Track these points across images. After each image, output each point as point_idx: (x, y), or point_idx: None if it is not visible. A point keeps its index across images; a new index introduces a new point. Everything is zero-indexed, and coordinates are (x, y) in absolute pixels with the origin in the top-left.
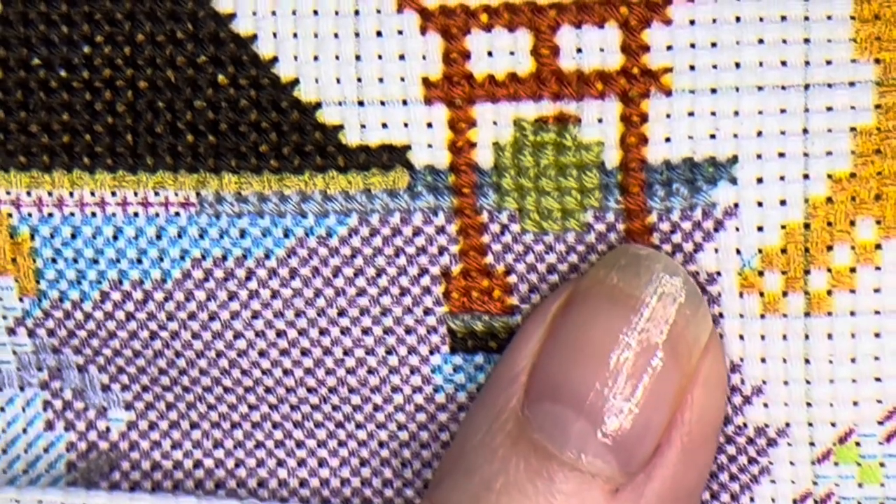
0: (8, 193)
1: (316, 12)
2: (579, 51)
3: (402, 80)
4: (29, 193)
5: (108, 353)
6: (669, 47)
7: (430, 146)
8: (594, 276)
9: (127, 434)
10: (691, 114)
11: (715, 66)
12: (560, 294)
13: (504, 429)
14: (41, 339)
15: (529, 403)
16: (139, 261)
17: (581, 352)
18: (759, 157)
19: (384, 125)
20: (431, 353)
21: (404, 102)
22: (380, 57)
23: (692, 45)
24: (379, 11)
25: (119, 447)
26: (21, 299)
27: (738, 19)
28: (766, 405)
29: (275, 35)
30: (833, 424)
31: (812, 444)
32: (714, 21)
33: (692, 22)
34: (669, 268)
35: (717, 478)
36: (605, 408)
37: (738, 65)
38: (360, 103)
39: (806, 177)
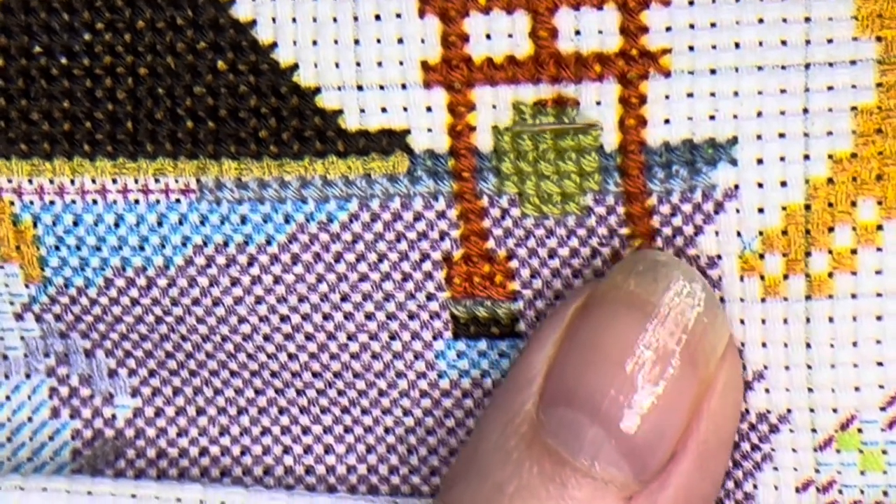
0: (9, 181)
1: None
2: (577, 33)
3: (401, 63)
4: (30, 181)
5: (114, 338)
6: (668, 28)
7: (429, 130)
8: (611, 281)
9: (133, 421)
10: (690, 95)
11: (714, 47)
12: (577, 297)
13: (518, 432)
14: (49, 323)
15: (544, 407)
16: (141, 248)
17: (597, 357)
18: (759, 137)
19: (383, 109)
20: (435, 338)
21: (403, 86)
22: (378, 41)
23: (691, 26)
24: None
25: (124, 435)
26: (27, 285)
27: None
28: (767, 391)
29: (274, 20)
30: (835, 410)
31: (814, 430)
32: (713, 1)
33: (691, 2)
34: (687, 274)
35: None
36: (620, 415)
37: (737, 45)
38: (360, 88)
39: (806, 157)
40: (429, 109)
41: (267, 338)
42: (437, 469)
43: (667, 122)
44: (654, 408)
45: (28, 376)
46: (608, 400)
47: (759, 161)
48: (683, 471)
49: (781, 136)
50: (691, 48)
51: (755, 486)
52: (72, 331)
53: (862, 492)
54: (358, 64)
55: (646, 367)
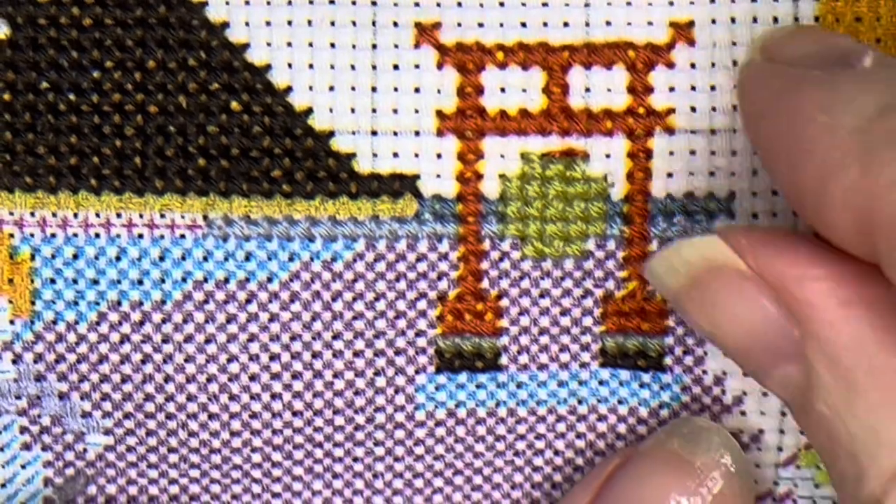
0: (11, 214)
1: (333, 45)
2: (588, 90)
3: (416, 111)
4: (33, 214)
5: (94, 379)
6: (672, 89)
7: (438, 176)
8: (655, 440)
9: (103, 455)
10: (693, 152)
11: (714, 109)
12: (619, 454)
13: None
14: (26, 365)
15: None
16: (140, 282)
17: None
18: (754, 194)
19: (395, 154)
20: (417, 372)
21: (416, 133)
22: (395, 89)
23: (693, 88)
24: (396, 46)
25: (95, 466)
26: (12, 321)
27: (735, 63)
28: (743, 413)
29: (290, 66)
30: (802, 431)
31: (780, 448)
32: (713, 65)
33: (693, 65)
34: (727, 443)
35: None
36: None
37: (735, 107)
38: (374, 133)
39: (795, 214)
40: (439, 156)
41: (254, 377)
42: (399, 490)
43: (670, 175)
44: None
45: None
46: None
47: (755, 215)
48: None
49: (774, 193)
50: (693, 109)
51: None
52: (49, 372)
53: (814, 502)
54: (374, 110)
55: None
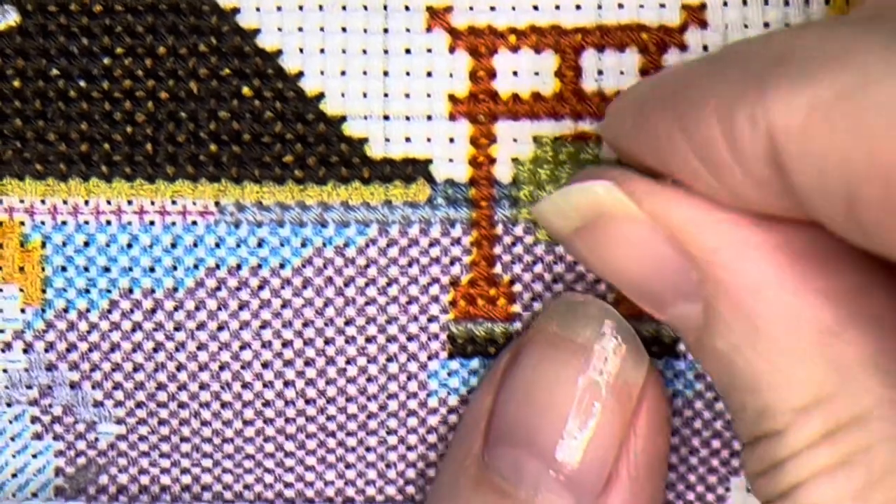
0: (22, 202)
1: (344, 29)
2: (600, 73)
3: (429, 96)
4: (43, 202)
5: (106, 368)
6: None
7: (451, 160)
8: (536, 327)
9: (115, 444)
10: None
11: None
12: (510, 348)
13: (467, 473)
14: (37, 354)
15: (488, 448)
16: (152, 269)
17: (529, 397)
18: None
19: (407, 139)
20: (430, 358)
21: (429, 118)
22: (408, 73)
23: None
24: (408, 30)
25: (107, 455)
26: (23, 310)
27: None
28: None
29: (301, 50)
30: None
31: None
32: None
33: (705, 48)
34: (605, 312)
35: (697, 470)
36: (556, 448)
37: None
38: (386, 118)
39: None
40: (452, 140)
41: (267, 364)
42: (412, 480)
43: None
44: (586, 439)
45: (9, 405)
46: (543, 435)
47: None
48: (619, 493)
49: None
50: None
51: (728, 489)
52: (61, 361)
53: None
54: (386, 95)
55: (574, 402)
